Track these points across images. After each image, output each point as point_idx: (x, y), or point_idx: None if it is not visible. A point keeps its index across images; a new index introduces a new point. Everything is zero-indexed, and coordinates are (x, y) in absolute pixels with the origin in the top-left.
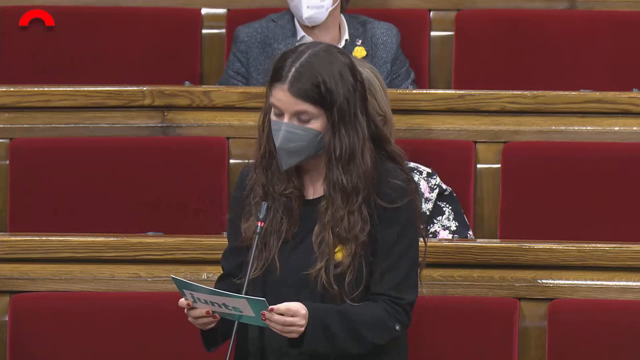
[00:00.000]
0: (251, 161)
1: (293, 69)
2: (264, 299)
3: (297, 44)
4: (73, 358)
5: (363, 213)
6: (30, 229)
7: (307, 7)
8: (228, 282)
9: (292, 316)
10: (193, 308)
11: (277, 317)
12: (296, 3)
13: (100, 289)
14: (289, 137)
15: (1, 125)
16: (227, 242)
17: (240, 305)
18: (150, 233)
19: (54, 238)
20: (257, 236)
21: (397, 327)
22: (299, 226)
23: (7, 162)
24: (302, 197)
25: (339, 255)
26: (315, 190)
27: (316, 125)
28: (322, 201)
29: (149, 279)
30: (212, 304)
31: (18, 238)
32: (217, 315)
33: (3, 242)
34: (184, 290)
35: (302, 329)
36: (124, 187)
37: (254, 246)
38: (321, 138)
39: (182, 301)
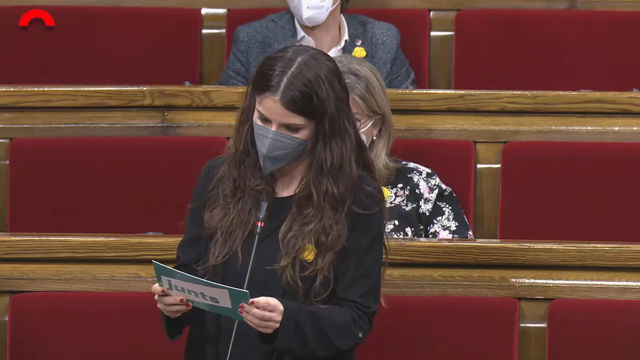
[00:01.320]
0: (221, 156)
1: (284, 80)
2: (247, 291)
3: (297, 44)
4: (73, 358)
5: (344, 222)
6: (30, 229)
7: (307, 7)
8: (186, 271)
9: (270, 311)
10: (166, 295)
11: (255, 310)
12: (296, 3)
13: (100, 289)
14: (275, 145)
15: (1, 125)
16: None
17: (219, 296)
18: (150, 233)
19: (54, 238)
20: (257, 237)
21: (360, 335)
22: (267, 222)
23: (7, 162)
24: (273, 193)
25: (308, 256)
26: (285, 188)
27: (303, 134)
28: (297, 201)
29: (149, 279)
30: (189, 292)
31: (18, 238)
32: (191, 304)
33: (3, 242)
34: (162, 277)
35: (278, 325)
36: (124, 187)
37: (254, 246)
38: (305, 146)
39: (156, 287)
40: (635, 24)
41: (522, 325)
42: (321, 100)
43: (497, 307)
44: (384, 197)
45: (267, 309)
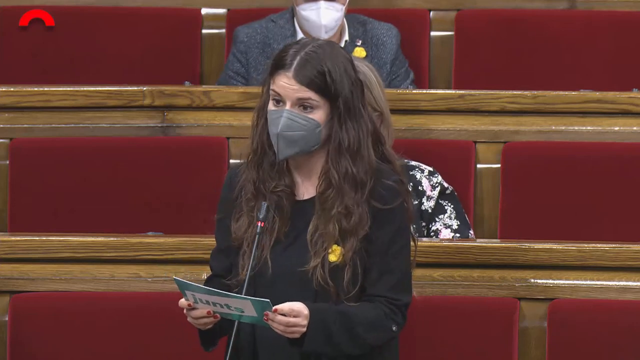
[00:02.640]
0: (241, 161)
1: (298, 57)
2: (268, 300)
3: None
4: (73, 358)
5: (364, 207)
6: (30, 229)
7: (325, 32)
8: (217, 282)
9: (295, 317)
10: (194, 308)
11: (280, 317)
12: (312, 25)
13: (100, 289)
14: (289, 124)
15: (1, 125)
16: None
17: (243, 306)
18: (150, 233)
19: (54, 238)
20: (257, 236)
21: (394, 328)
22: (290, 225)
23: (7, 162)
24: (293, 196)
25: (333, 257)
26: (305, 191)
27: (317, 115)
28: (319, 195)
29: (149, 279)
30: (214, 304)
31: (18, 238)
32: (218, 315)
33: (3, 242)
34: (185, 291)
35: (304, 329)
36: (124, 187)
37: (254, 246)
38: (320, 131)
39: (183, 301)
40: (635, 24)
41: (522, 325)
42: (334, 80)
43: (497, 307)
44: (406, 190)
45: (291, 315)
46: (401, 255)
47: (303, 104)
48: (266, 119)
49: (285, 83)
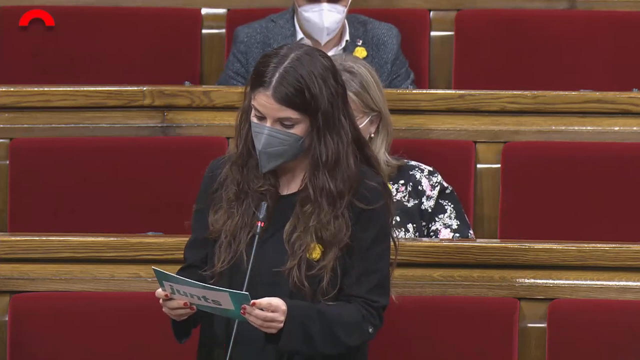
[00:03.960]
0: (225, 155)
1: (277, 74)
2: (247, 293)
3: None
4: (73, 358)
5: (345, 217)
6: (30, 229)
7: (327, 34)
8: (191, 272)
9: (272, 312)
10: (170, 299)
11: (257, 311)
12: (313, 27)
13: (100, 289)
14: (270, 141)
15: (1, 125)
16: None
17: (221, 299)
18: (150, 233)
19: (54, 238)
20: (257, 236)
21: (371, 330)
22: (270, 222)
23: (7, 162)
24: (277, 193)
25: (315, 254)
26: (289, 186)
27: (298, 130)
28: (301, 200)
29: (149, 279)
30: (191, 296)
31: (18, 238)
32: (195, 307)
33: (3, 242)
34: (164, 282)
35: (282, 324)
36: (124, 187)
37: (254, 246)
38: (302, 142)
39: (160, 291)
40: (635, 24)
41: (522, 325)
42: (314, 95)
43: (497, 307)
44: (389, 192)
45: (269, 310)
46: (382, 258)
47: (283, 122)
48: (250, 122)
49: (265, 102)
